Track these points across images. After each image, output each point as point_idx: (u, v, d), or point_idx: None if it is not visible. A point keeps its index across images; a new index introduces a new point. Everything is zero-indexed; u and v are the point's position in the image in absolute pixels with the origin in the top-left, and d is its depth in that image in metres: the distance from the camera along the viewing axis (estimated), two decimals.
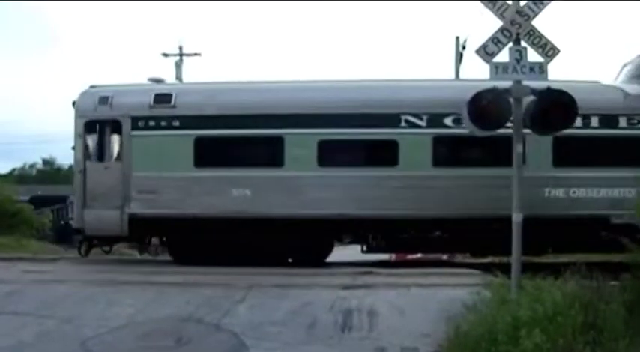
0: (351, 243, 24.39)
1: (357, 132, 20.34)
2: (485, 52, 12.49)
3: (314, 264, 19.70)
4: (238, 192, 20.28)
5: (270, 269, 18.04)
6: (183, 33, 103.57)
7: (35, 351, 11.00)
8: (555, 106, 12.26)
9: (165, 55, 55.00)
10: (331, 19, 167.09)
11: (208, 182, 20.64)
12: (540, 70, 12.40)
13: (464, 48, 40.02)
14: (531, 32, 12.53)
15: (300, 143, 20.33)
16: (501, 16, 12.55)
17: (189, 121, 20.72)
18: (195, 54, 55.60)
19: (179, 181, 20.78)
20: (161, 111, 20.70)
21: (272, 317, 12.77)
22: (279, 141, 20.22)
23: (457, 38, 40.93)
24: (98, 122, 21.20)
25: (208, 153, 20.69)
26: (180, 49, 54.88)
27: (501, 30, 12.56)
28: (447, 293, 13.93)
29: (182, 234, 20.85)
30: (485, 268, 16.87)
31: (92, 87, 21.78)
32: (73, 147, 21.49)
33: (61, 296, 14.42)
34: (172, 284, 16.10)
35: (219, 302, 13.82)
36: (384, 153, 20.53)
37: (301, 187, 20.22)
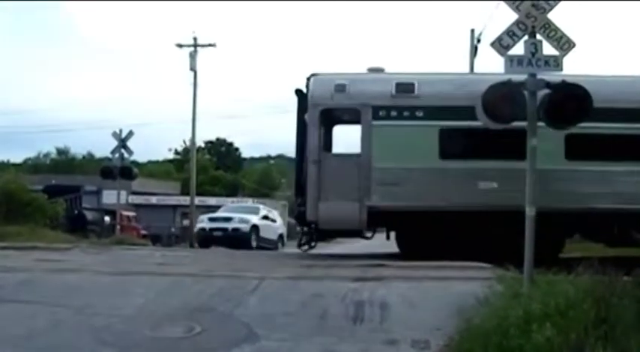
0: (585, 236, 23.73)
1: (609, 127, 19.88)
2: (501, 45, 12.45)
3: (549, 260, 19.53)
4: (485, 185, 19.79)
5: (281, 260, 18.03)
6: (198, 23, 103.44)
7: (47, 340, 10.98)
8: (569, 99, 12.22)
9: (180, 45, 55.07)
10: (342, 10, 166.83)
11: (454, 174, 20.12)
12: (555, 63, 12.35)
13: (479, 41, 39.93)
14: (547, 25, 12.48)
15: (548, 137, 19.92)
16: (517, 9, 12.50)
17: (434, 112, 20.19)
18: (210, 45, 55.61)
19: (423, 173, 20.29)
20: (403, 101, 20.20)
21: (283, 308, 12.75)
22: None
23: (472, 31, 40.89)
24: (335, 111, 20.77)
25: (454, 145, 20.23)
26: (195, 39, 54.90)
27: (517, 23, 12.51)
28: (459, 286, 13.89)
29: (420, 227, 20.32)
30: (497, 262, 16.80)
31: (314, 75, 20.93)
32: (301, 136, 20.91)
33: (73, 286, 14.43)
34: (185, 274, 16.14)
35: (231, 292, 13.82)
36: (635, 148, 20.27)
37: (548, 181, 18.96)
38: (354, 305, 12.85)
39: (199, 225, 40.97)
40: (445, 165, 20.12)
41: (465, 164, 20.16)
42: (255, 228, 38.89)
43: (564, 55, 12.39)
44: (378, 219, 20.37)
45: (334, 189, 20.44)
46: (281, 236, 43.17)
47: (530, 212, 12.26)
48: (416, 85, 20.38)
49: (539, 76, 12.34)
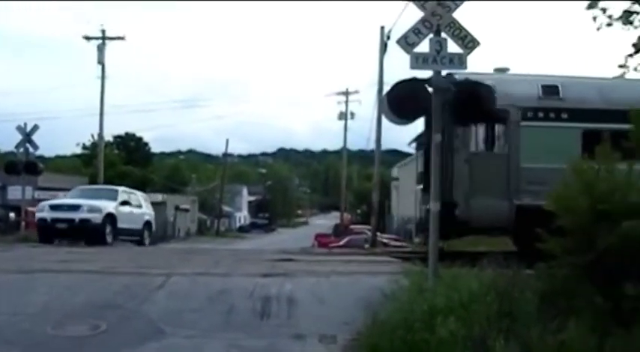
0: None
1: None
2: (406, 43, 12.59)
3: None
4: None
5: (189, 256, 17.92)
6: (107, 16, 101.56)
7: None
8: (473, 97, 12.42)
9: (88, 38, 54.08)
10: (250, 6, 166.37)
11: None
12: (460, 61, 12.55)
13: (388, 38, 40.10)
14: (452, 24, 12.66)
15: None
16: (423, 7, 12.66)
17: (577, 114, 20.46)
18: (119, 38, 54.76)
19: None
20: (549, 103, 20.68)
21: (190, 304, 12.69)
22: None
23: (382, 28, 41.08)
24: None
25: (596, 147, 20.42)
26: (103, 32, 53.94)
27: (422, 21, 12.67)
28: (367, 281, 14.03)
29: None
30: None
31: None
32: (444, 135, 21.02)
33: None
34: (90, 272, 15.90)
35: (137, 289, 13.68)
36: None
37: None
38: (261, 301, 12.86)
39: (39, 215, 31.22)
40: None
41: None
42: (110, 217, 30.71)
43: (469, 54, 12.60)
44: (525, 219, 20.82)
45: (484, 187, 21.04)
46: (148, 224, 35.09)
47: (434, 207, 12.45)
48: (560, 87, 21.03)
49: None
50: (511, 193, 20.95)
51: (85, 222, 29.72)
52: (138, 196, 35.89)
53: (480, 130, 21.38)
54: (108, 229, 30.29)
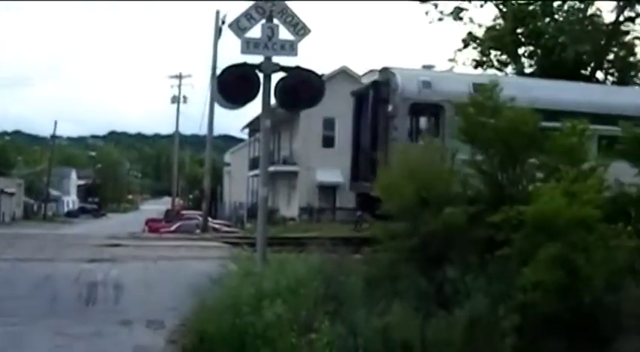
0: None
1: None
2: (238, 27, 12.58)
3: None
4: None
5: (13, 241, 17.30)
6: None
7: None
8: (303, 84, 12.54)
9: None
10: None
11: None
12: (291, 47, 12.65)
13: (223, 22, 39.78)
14: (284, 11, 12.75)
15: None
16: None
17: None
18: None
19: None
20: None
21: (12, 291, 12.27)
22: None
23: (217, 12, 40.78)
24: (421, 105, 20.33)
25: None
26: None
27: (255, 7, 12.69)
28: (196, 266, 13.97)
29: None
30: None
31: (385, 68, 21.28)
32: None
33: None
34: None
35: None
36: None
37: None
38: (87, 287, 12.60)
39: None
40: None
41: None
42: None
43: (300, 41, 12.72)
44: None
45: None
46: None
47: (262, 193, 12.53)
48: None
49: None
50: None
51: None
52: None
53: (418, 123, 21.89)
54: None
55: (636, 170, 13.97)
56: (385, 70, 21.19)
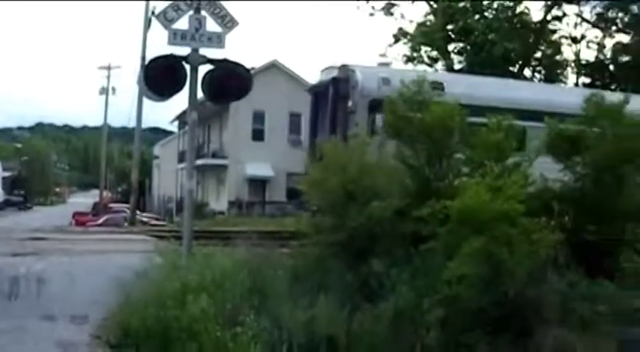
0: None
1: None
2: (165, 18, 12.46)
3: None
4: None
5: None
6: None
7: None
8: (231, 77, 12.45)
9: None
10: None
11: None
12: (218, 40, 12.56)
13: (153, 13, 39.34)
14: (212, 3, 12.66)
15: None
16: None
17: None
18: None
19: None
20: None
21: None
22: None
23: (147, 3, 40.35)
24: (381, 101, 20.02)
25: None
26: None
27: None
28: (122, 260, 13.82)
29: None
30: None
31: (345, 66, 21.31)
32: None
33: None
34: None
35: None
36: None
37: None
38: (9, 281, 12.35)
39: None
40: None
41: None
42: None
43: (227, 33, 12.63)
44: None
45: None
46: None
47: (189, 186, 12.44)
48: (445, 84, 21.08)
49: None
50: None
51: None
52: None
53: (377, 119, 22.13)
54: None
55: (561, 166, 14.31)
56: (345, 67, 21.34)
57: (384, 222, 11.96)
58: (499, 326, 10.75)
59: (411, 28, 43.34)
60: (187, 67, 12.33)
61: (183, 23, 12.60)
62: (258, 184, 47.97)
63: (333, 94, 21.35)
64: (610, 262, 12.72)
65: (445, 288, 10.68)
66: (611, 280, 12.13)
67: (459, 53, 42.95)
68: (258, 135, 48.77)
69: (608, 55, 46.05)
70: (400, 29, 43.74)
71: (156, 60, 12.33)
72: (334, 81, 21.59)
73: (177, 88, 12.27)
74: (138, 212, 41.47)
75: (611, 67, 45.96)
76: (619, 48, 45.20)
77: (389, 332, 10.34)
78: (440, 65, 42.71)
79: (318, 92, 22.23)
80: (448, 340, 10.44)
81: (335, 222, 12.23)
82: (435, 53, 43.10)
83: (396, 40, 44.04)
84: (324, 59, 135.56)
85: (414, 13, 42.54)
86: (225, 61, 12.53)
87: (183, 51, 12.59)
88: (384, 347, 10.16)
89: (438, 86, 22.14)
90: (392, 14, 44.17)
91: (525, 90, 23.58)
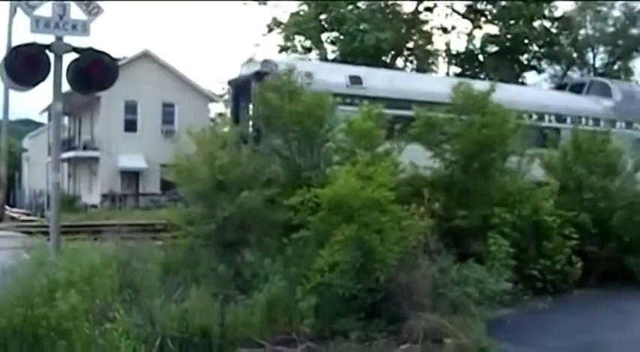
0: None
1: None
2: (27, 5, 11.99)
3: None
4: None
5: None
6: None
7: None
8: (96, 66, 12.12)
9: None
10: None
11: None
12: (83, 28, 12.20)
13: None
14: None
15: None
16: None
17: (376, 101, 19.67)
18: None
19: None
20: (355, 91, 21.30)
21: None
22: None
23: None
24: None
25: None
26: None
27: None
28: None
29: None
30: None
31: (267, 60, 21.15)
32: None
33: None
34: None
35: None
36: None
37: None
38: None
39: None
40: None
41: None
42: None
43: (92, 20, 12.27)
44: None
45: None
46: None
47: (54, 178, 12.10)
48: (362, 77, 22.11)
49: None
50: None
51: None
52: None
53: None
54: None
55: (431, 153, 14.60)
56: (267, 61, 21.25)
57: (255, 211, 11.94)
58: (372, 312, 10.91)
59: (284, 18, 43.47)
60: (52, 55, 11.94)
61: (47, 10, 12.18)
62: (132, 176, 47.10)
63: (255, 88, 21.46)
64: (479, 246, 13.09)
65: (318, 276, 10.74)
66: (481, 263, 12.47)
67: (332, 43, 43.31)
68: (130, 125, 47.76)
69: (478, 45, 47.44)
70: (274, 19, 43.82)
71: (17, 48, 11.88)
72: (257, 75, 21.59)
73: (41, 78, 11.83)
74: (7, 207, 40.21)
75: (480, 57, 47.33)
76: (487, 38, 46.62)
77: (263, 321, 10.34)
78: (314, 54, 43.00)
79: (239, 86, 22.11)
80: (323, 328, 10.50)
81: (205, 213, 12.13)
82: (308, 43, 43.36)
83: (270, 29, 44.08)
84: (198, 49, 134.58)
85: (289, 3, 42.53)
86: (90, 49, 12.18)
87: (47, 39, 12.18)
88: (259, 337, 10.15)
89: (356, 80, 22.79)
90: (265, 3, 44.21)
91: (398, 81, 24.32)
